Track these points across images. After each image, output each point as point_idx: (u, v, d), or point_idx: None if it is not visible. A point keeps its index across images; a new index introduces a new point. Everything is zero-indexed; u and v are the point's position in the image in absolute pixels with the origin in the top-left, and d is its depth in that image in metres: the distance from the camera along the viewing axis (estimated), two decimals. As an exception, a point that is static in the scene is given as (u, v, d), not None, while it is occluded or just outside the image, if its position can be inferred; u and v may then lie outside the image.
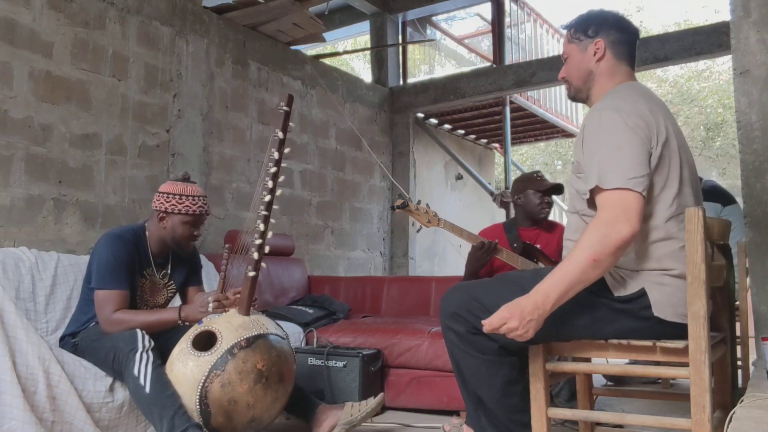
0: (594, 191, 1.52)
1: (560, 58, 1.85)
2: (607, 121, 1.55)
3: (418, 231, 2.68)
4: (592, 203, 1.55)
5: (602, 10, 1.77)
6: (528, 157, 15.10)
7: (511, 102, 6.02)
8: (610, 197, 1.48)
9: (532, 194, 2.88)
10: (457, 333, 1.69)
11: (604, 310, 1.55)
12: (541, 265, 2.73)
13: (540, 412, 1.62)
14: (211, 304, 2.23)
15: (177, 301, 2.57)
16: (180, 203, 2.32)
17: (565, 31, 1.81)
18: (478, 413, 1.72)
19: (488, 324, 1.49)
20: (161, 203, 2.34)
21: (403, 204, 2.62)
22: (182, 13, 3.80)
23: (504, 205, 5.47)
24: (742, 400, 1.43)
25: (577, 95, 1.79)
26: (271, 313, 3.16)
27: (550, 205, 2.92)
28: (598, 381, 3.26)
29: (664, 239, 1.54)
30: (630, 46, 1.72)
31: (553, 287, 1.47)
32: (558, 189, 2.92)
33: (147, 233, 2.41)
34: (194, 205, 2.33)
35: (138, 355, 2.07)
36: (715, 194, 3.36)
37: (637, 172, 1.47)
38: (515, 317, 1.46)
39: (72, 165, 3.18)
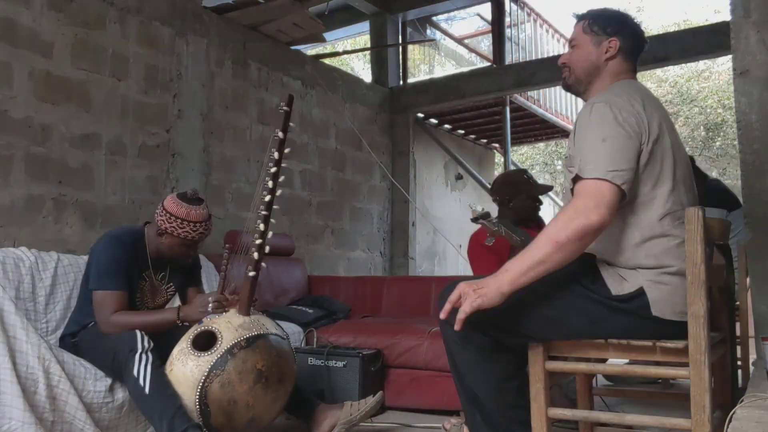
0: (575, 180, 1.53)
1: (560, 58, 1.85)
2: (597, 114, 1.56)
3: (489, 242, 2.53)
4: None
5: (624, 12, 1.79)
6: (528, 157, 15.08)
7: (511, 102, 6.02)
8: (586, 186, 1.49)
9: (525, 198, 2.87)
10: (453, 327, 1.69)
11: (603, 309, 1.55)
12: None
13: (540, 412, 1.62)
14: (211, 305, 2.23)
15: (176, 302, 2.56)
16: (180, 228, 2.28)
17: (578, 18, 1.79)
18: (473, 410, 1.72)
19: (448, 301, 1.54)
20: (162, 221, 2.30)
21: (484, 214, 2.34)
22: (182, 13, 3.80)
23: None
24: (742, 400, 1.43)
25: (574, 85, 1.77)
26: (271, 313, 3.16)
27: (541, 204, 2.93)
28: (598, 380, 3.26)
29: (660, 236, 1.54)
30: (637, 54, 1.76)
31: (515, 265, 1.49)
32: (549, 189, 2.94)
33: (146, 237, 2.40)
34: (194, 231, 2.29)
35: (137, 356, 2.07)
36: (722, 198, 3.29)
37: (618, 165, 1.48)
38: (469, 285, 1.51)
39: (72, 165, 3.18)
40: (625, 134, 1.51)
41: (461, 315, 1.49)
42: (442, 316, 1.54)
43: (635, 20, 1.78)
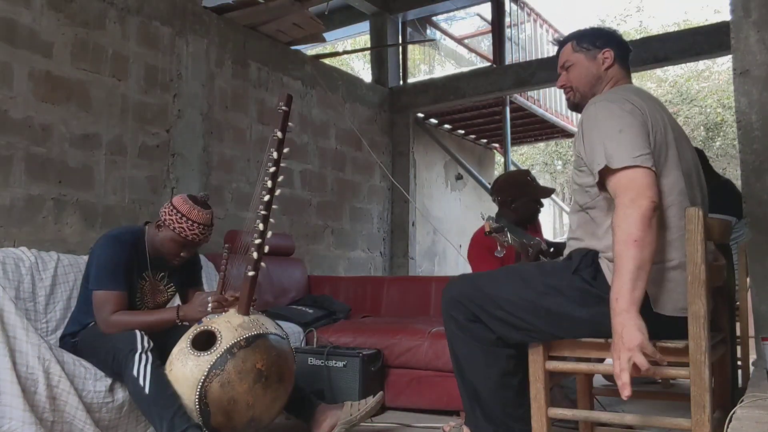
0: (604, 173, 1.53)
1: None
2: (603, 111, 1.59)
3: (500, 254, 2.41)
4: (602, 186, 1.55)
5: (602, 27, 1.88)
6: (528, 157, 15.09)
7: (511, 102, 6.02)
8: (620, 181, 1.49)
9: (528, 200, 2.85)
10: (456, 321, 1.70)
11: (603, 304, 1.55)
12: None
13: (540, 412, 1.62)
14: (210, 304, 2.23)
15: (177, 302, 2.56)
16: (178, 223, 2.29)
17: (561, 43, 1.86)
18: (474, 407, 1.72)
19: (621, 378, 1.37)
20: (164, 213, 2.33)
21: (498, 228, 2.22)
22: (182, 13, 3.80)
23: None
24: (742, 400, 1.43)
25: (581, 102, 1.79)
26: (271, 313, 3.16)
27: (542, 206, 2.93)
28: (598, 381, 3.26)
29: (664, 228, 1.54)
30: (627, 61, 1.82)
31: (620, 288, 1.42)
32: (552, 192, 2.94)
33: (146, 237, 2.40)
34: (190, 230, 2.30)
35: (137, 356, 2.07)
36: (730, 200, 3.22)
37: (642, 150, 1.50)
38: (619, 345, 1.39)
39: (72, 165, 3.18)
40: (638, 122, 1.55)
41: (646, 368, 1.36)
42: (628, 394, 1.37)
43: (615, 31, 1.86)
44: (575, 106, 1.84)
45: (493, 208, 2.99)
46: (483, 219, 2.26)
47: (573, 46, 1.81)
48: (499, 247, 2.31)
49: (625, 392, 1.35)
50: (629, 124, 1.54)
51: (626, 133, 1.52)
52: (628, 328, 1.38)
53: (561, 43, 1.86)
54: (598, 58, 1.77)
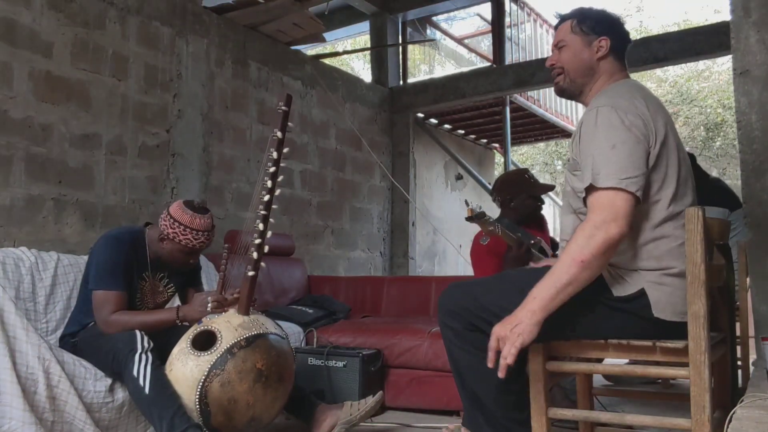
0: (588, 189, 1.51)
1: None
2: (603, 119, 1.53)
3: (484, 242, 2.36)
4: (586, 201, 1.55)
5: (609, 12, 1.77)
6: (528, 157, 15.09)
7: (511, 102, 6.01)
8: (600, 198, 1.47)
9: (526, 198, 2.85)
10: (453, 330, 1.69)
11: (604, 309, 1.55)
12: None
13: (540, 412, 1.61)
14: (210, 304, 2.23)
15: (177, 302, 2.56)
16: (183, 234, 2.28)
17: (562, 18, 1.77)
18: (475, 412, 1.72)
19: (489, 348, 1.51)
20: (165, 226, 2.30)
21: (480, 214, 2.20)
22: (182, 13, 3.80)
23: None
24: (742, 400, 1.43)
25: (569, 88, 1.74)
26: (271, 313, 3.16)
27: (543, 203, 2.92)
28: (598, 381, 3.27)
29: (661, 238, 1.54)
30: (624, 52, 1.74)
31: (542, 291, 1.47)
32: (551, 188, 2.94)
33: (147, 238, 2.40)
34: (195, 239, 2.29)
35: (137, 356, 2.07)
36: (724, 198, 3.26)
37: (630, 172, 1.47)
38: (506, 327, 1.48)
39: (72, 165, 3.18)
40: (634, 138, 1.50)
41: (509, 360, 1.46)
42: (490, 365, 1.51)
43: (620, 18, 1.77)
44: (562, 91, 1.75)
45: (493, 209, 2.99)
46: (467, 206, 2.23)
47: (572, 26, 1.71)
48: (483, 235, 2.30)
49: (489, 363, 1.51)
50: (624, 141, 1.49)
51: (619, 150, 1.48)
52: (524, 325, 1.46)
53: (562, 18, 1.77)
54: (593, 46, 1.68)
